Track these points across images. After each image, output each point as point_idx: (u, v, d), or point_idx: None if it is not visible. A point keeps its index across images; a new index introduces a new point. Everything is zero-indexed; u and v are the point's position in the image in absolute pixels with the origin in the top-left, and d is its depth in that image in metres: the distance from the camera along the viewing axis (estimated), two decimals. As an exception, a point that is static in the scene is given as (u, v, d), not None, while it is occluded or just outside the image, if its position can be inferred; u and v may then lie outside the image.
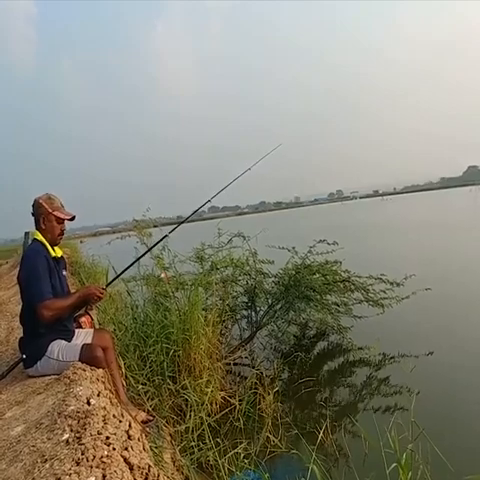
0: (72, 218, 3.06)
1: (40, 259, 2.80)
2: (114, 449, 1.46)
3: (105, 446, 1.47)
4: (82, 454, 1.41)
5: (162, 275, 4.65)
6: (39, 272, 2.75)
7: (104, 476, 1.30)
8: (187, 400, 3.73)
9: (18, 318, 3.03)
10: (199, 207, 4.02)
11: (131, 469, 1.41)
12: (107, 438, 1.53)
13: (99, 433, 1.55)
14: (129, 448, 1.53)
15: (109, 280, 3.39)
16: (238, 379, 5.05)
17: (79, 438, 1.53)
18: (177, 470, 2.86)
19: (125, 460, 1.43)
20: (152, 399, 3.62)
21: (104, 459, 1.38)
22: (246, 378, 4.71)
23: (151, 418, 3.19)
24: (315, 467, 2.16)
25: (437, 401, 4.36)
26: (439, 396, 4.49)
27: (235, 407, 4.00)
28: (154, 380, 3.84)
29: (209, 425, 3.50)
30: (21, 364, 2.82)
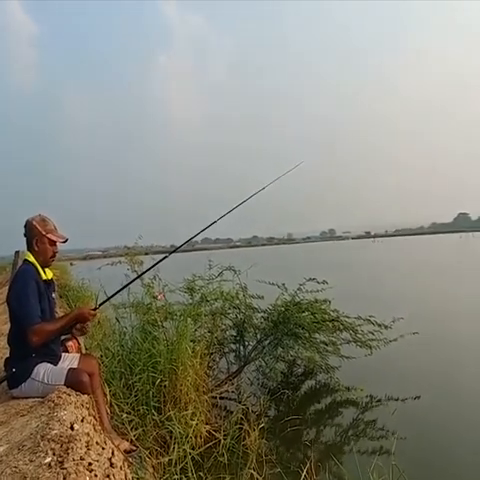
0: (65, 241, 3.07)
1: (30, 282, 2.79)
2: (96, 475, 1.45)
3: (87, 472, 1.45)
4: (64, 479, 1.39)
5: (159, 296, 4.61)
6: (28, 296, 2.74)
7: (85, 502, 1.28)
8: (171, 432, 3.66)
9: (4, 337, 3.00)
10: (203, 229, 3.98)
11: (112, 497, 1.39)
12: (89, 464, 1.51)
13: (81, 459, 1.53)
14: (111, 476, 1.51)
15: (97, 303, 3.37)
16: (224, 413, 4.97)
17: (61, 462, 1.51)
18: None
19: (107, 487, 1.42)
20: (136, 429, 3.54)
21: (86, 485, 1.37)
22: (232, 413, 4.64)
23: (134, 448, 3.12)
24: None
25: (419, 446, 4.35)
26: (421, 441, 4.48)
27: (220, 441, 3.92)
28: (139, 409, 3.77)
29: (192, 458, 3.43)
30: (5, 385, 2.77)
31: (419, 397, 5.51)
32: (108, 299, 3.53)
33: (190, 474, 3.18)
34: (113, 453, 1.66)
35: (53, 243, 2.99)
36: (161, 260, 3.88)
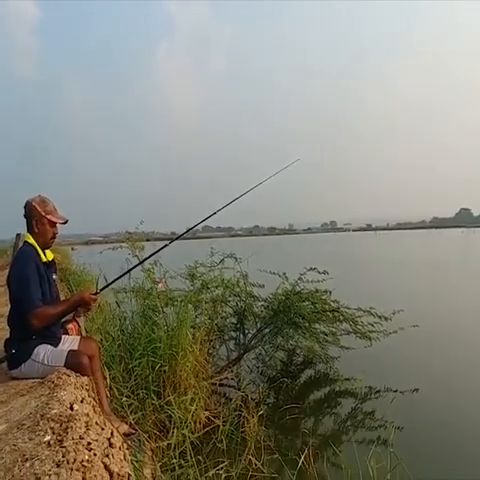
0: (65, 222, 3.05)
1: (30, 264, 2.77)
2: (95, 455, 1.44)
3: (86, 451, 1.44)
4: (63, 456, 1.38)
5: (160, 284, 4.57)
6: (29, 278, 2.72)
7: (83, 479, 1.27)
8: (170, 416, 3.67)
9: (3, 319, 2.98)
10: (203, 219, 3.98)
11: (111, 476, 1.38)
12: (89, 443, 1.50)
13: (81, 438, 1.52)
14: (110, 456, 1.50)
15: (100, 287, 3.36)
16: (223, 400, 4.97)
17: (61, 441, 1.50)
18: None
19: (105, 467, 1.41)
20: (135, 413, 3.55)
21: (85, 463, 1.36)
22: (231, 400, 4.65)
23: (133, 431, 3.14)
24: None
25: (417, 436, 4.35)
26: (419, 432, 4.47)
27: (218, 428, 3.93)
28: (138, 393, 3.78)
29: (191, 443, 3.44)
30: (5, 365, 2.77)
31: (418, 389, 5.51)
32: (109, 284, 3.52)
33: (189, 458, 3.18)
34: (112, 434, 1.65)
35: (53, 224, 2.97)
36: (162, 248, 3.86)
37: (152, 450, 3.30)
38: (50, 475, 1.27)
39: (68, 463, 1.35)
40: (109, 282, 3.51)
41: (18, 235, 9.09)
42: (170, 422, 3.68)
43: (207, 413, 4.14)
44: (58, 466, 1.34)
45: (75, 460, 1.36)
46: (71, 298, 2.99)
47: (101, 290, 3.26)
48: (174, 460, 3.22)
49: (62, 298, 3.27)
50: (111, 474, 1.39)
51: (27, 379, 2.65)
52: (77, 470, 1.32)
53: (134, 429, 3.20)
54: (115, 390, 3.62)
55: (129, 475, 1.43)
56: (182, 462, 3.27)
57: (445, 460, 4.00)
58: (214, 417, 4.16)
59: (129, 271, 3.99)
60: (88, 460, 1.38)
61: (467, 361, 6.80)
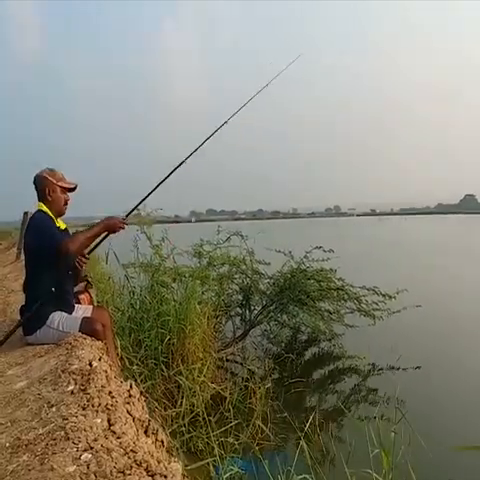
0: (75, 187, 3.11)
1: (48, 221, 2.83)
2: (117, 401, 1.51)
3: (109, 398, 1.51)
4: (87, 401, 1.45)
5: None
6: (51, 228, 2.79)
7: (109, 420, 1.34)
8: (179, 387, 3.76)
9: (13, 294, 3.03)
10: (216, 129, 3.64)
11: (133, 420, 1.45)
12: (110, 392, 1.57)
13: (103, 387, 1.60)
14: (131, 403, 1.57)
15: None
16: (229, 375, 5.06)
17: (84, 389, 1.57)
18: (167, 452, 2.89)
19: (128, 412, 1.48)
20: (145, 381, 3.64)
21: (109, 407, 1.43)
22: (237, 375, 4.75)
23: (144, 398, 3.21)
24: (304, 443, 2.20)
25: (418, 411, 4.42)
26: (420, 406, 4.56)
27: (225, 400, 4.03)
28: (148, 364, 3.87)
29: (201, 410, 3.53)
30: (20, 332, 2.84)
31: (420, 367, 5.60)
32: (136, 207, 3.33)
33: (201, 419, 3.27)
34: (131, 386, 1.72)
35: (65, 191, 3.04)
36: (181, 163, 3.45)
37: (162, 417, 3.39)
38: (77, 416, 1.34)
39: (93, 406, 1.42)
40: (137, 204, 3.31)
41: (25, 213, 9.08)
42: (179, 392, 3.77)
43: (214, 385, 4.22)
44: (84, 409, 1.41)
45: (100, 404, 1.43)
46: (100, 223, 2.91)
47: (127, 215, 3.18)
48: (183, 428, 3.32)
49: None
50: (133, 418, 1.46)
51: (42, 345, 2.71)
52: (102, 412, 1.39)
53: (145, 397, 3.27)
54: (126, 360, 3.71)
55: (149, 420, 1.50)
56: (191, 429, 3.37)
57: (446, 429, 4.09)
58: (221, 390, 4.24)
59: (160, 184, 3.53)
60: (111, 405, 1.45)
61: (469, 339, 6.88)
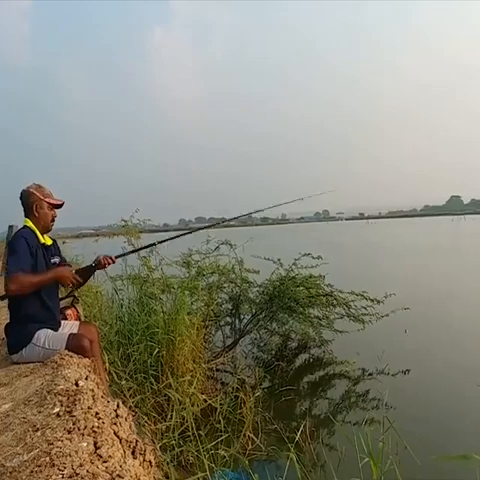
0: (62, 203, 3.12)
1: (21, 240, 2.79)
2: (103, 423, 1.50)
3: (95, 419, 1.50)
4: (73, 424, 1.44)
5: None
6: (16, 249, 2.74)
7: (95, 443, 1.33)
8: (169, 400, 3.74)
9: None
10: (242, 215, 4.08)
11: (120, 441, 1.44)
12: (97, 413, 1.56)
13: (89, 408, 1.58)
14: (118, 424, 1.56)
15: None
16: (220, 385, 5.06)
17: (70, 411, 1.55)
18: (157, 466, 2.87)
19: (114, 433, 1.47)
20: (134, 396, 3.61)
21: (95, 429, 1.42)
22: (227, 384, 4.73)
23: (133, 414, 3.19)
24: (293, 456, 2.20)
25: (407, 414, 4.46)
26: (409, 409, 4.59)
27: (216, 411, 4.01)
28: (137, 378, 3.85)
29: (191, 423, 3.51)
30: (5, 351, 2.81)
31: (409, 371, 5.65)
32: (129, 252, 3.57)
33: (190, 432, 3.25)
34: (118, 405, 1.71)
35: (52, 207, 3.03)
36: (162, 242, 3.91)
37: (152, 432, 3.36)
38: (62, 440, 1.33)
39: (79, 429, 1.40)
40: (131, 251, 3.53)
41: (10, 227, 8.98)
42: (168, 405, 3.75)
43: (205, 396, 4.20)
44: (69, 433, 1.39)
45: (86, 427, 1.42)
46: (50, 272, 2.90)
47: (117, 257, 3.30)
48: (173, 442, 3.30)
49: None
50: (120, 439, 1.45)
51: (28, 363, 2.68)
52: (88, 435, 1.37)
53: (134, 411, 3.25)
54: (114, 374, 3.68)
55: (137, 441, 1.49)
56: (181, 442, 3.36)
57: (434, 436, 4.12)
58: (211, 401, 4.23)
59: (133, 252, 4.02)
60: (98, 426, 1.44)
61: (456, 342, 6.94)
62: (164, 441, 3.32)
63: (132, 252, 3.81)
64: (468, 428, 4.19)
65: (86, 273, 3.18)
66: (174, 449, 3.24)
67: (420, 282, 12.31)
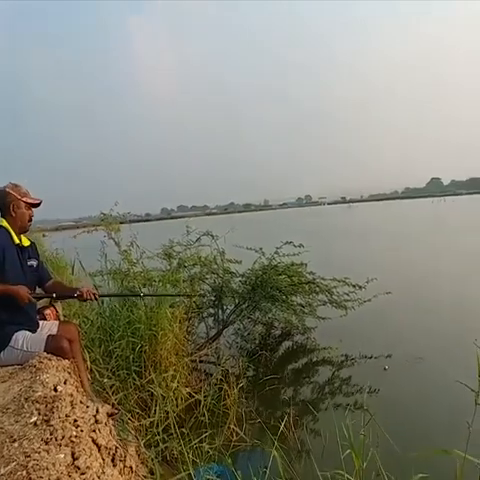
0: (40, 202, 3.07)
1: None
2: (82, 431, 1.49)
3: (73, 428, 1.49)
4: (51, 434, 1.43)
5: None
6: None
7: (73, 454, 1.33)
8: (152, 394, 3.74)
9: None
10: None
11: (99, 449, 1.44)
12: (75, 421, 1.55)
13: (67, 416, 1.57)
14: (97, 431, 1.55)
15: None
16: (204, 376, 5.06)
17: (47, 420, 1.54)
18: (141, 463, 2.88)
19: (93, 441, 1.46)
20: (117, 393, 3.61)
21: (73, 439, 1.41)
22: (211, 375, 4.75)
23: (116, 411, 3.18)
24: (276, 453, 2.23)
25: (390, 398, 4.56)
26: (392, 395, 4.68)
27: (200, 403, 4.03)
28: (119, 374, 3.83)
29: (174, 418, 3.52)
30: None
31: (390, 355, 5.74)
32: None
33: (173, 430, 3.27)
34: (97, 411, 1.70)
35: (29, 207, 2.98)
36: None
37: (135, 428, 3.37)
38: (39, 452, 1.32)
39: (56, 440, 1.39)
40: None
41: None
42: (152, 400, 3.75)
43: (188, 389, 4.21)
44: (47, 443, 1.38)
45: (63, 437, 1.41)
46: (9, 287, 2.75)
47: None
48: (158, 437, 3.31)
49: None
50: (99, 447, 1.44)
51: (7, 366, 2.65)
52: (66, 445, 1.37)
53: (117, 409, 3.25)
54: (96, 372, 3.67)
55: (116, 448, 1.48)
56: (166, 437, 3.37)
57: (414, 418, 4.21)
58: (195, 393, 4.24)
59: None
60: (76, 436, 1.43)
61: (437, 326, 7.06)
62: (148, 437, 3.33)
63: (117, 295, 4.19)
64: (451, 409, 4.24)
65: (65, 297, 3.35)
66: (159, 445, 3.26)
67: (399, 266, 12.45)
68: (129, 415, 3.39)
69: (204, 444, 3.24)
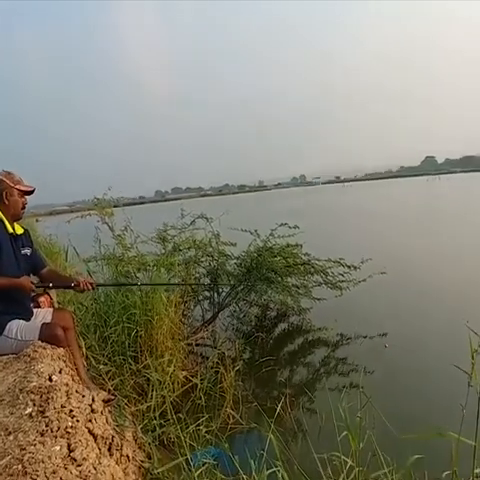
0: (33, 190, 3.03)
1: None
2: (78, 421, 1.48)
3: (69, 418, 1.48)
4: (46, 426, 1.42)
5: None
6: None
7: (69, 445, 1.32)
8: (149, 379, 3.75)
9: None
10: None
11: (95, 439, 1.44)
12: (71, 411, 1.55)
13: (63, 406, 1.56)
14: (93, 420, 1.55)
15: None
16: (200, 359, 5.09)
17: (42, 412, 1.53)
18: (139, 448, 2.90)
19: (89, 431, 1.46)
20: (113, 379, 3.62)
21: (68, 430, 1.40)
22: (208, 358, 4.77)
23: (112, 397, 3.19)
24: (272, 436, 2.25)
25: (385, 378, 4.58)
26: (387, 374, 4.71)
27: (197, 386, 4.05)
28: (115, 360, 3.84)
29: (171, 403, 3.54)
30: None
31: (386, 334, 5.78)
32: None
33: (169, 416, 3.29)
34: (93, 399, 1.70)
35: (22, 194, 2.94)
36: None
37: (132, 414, 3.39)
38: (35, 445, 1.31)
39: (52, 431, 1.39)
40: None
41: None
42: (148, 385, 3.77)
43: (185, 373, 4.24)
44: (42, 435, 1.38)
45: (59, 428, 1.41)
46: (14, 280, 2.78)
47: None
48: (154, 422, 3.33)
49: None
50: (95, 437, 1.44)
51: (1, 356, 2.64)
52: (62, 437, 1.36)
53: (113, 395, 3.26)
54: (92, 359, 3.67)
55: (113, 437, 1.48)
56: (162, 422, 3.39)
57: (410, 398, 4.25)
58: (192, 376, 4.26)
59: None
60: (72, 426, 1.42)
61: (433, 306, 7.10)
62: (145, 422, 3.35)
63: (114, 285, 4.22)
64: (447, 388, 4.29)
65: (61, 286, 3.30)
66: (156, 429, 3.28)
67: (395, 245, 12.47)
68: (126, 400, 3.40)
69: (201, 428, 3.26)
